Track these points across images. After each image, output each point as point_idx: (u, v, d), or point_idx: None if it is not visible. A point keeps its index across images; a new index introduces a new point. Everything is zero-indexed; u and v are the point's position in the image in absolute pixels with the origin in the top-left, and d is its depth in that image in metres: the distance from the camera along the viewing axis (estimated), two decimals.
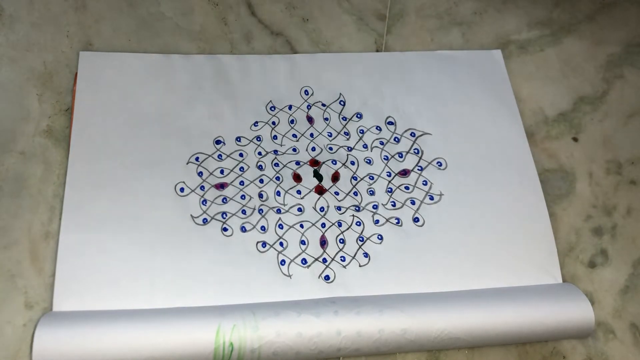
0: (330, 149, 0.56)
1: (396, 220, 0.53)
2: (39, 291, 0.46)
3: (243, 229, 0.51)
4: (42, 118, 0.53)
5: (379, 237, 0.52)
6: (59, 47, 0.57)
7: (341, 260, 0.50)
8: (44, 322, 0.43)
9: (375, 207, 0.53)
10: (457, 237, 0.52)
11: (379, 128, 0.57)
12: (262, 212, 0.51)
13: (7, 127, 0.52)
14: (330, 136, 0.56)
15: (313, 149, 0.55)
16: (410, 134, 0.57)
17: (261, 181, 0.53)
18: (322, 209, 0.52)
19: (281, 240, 0.50)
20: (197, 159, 0.53)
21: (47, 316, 0.44)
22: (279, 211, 0.52)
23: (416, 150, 0.56)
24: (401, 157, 0.56)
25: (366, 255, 0.51)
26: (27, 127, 0.53)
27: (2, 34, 0.57)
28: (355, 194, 0.54)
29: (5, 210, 0.49)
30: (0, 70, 0.55)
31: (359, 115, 0.58)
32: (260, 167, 0.54)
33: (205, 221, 0.50)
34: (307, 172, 0.54)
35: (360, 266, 0.50)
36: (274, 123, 0.56)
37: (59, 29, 0.58)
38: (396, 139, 0.57)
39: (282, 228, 0.51)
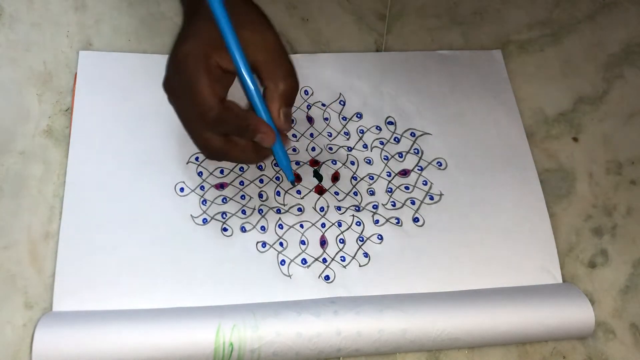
0: (330, 149, 0.56)
1: (396, 220, 0.53)
2: (39, 291, 0.46)
3: (243, 229, 0.50)
4: (42, 118, 0.53)
5: (379, 237, 0.52)
6: (59, 47, 0.57)
7: (341, 260, 0.50)
8: (43, 322, 0.43)
9: (375, 207, 0.53)
10: (457, 237, 0.52)
11: (379, 128, 0.57)
12: (262, 212, 0.51)
13: (7, 127, 0.52)
14: (330, 136, 0.56)
15: (313, 149, 0.55)
16: (410, 134, 0.57)
17: (261, 181, 0.53)
18: (322, 209, 0.52)
19: (281, 240, 0.50)
20: (197, 158, 0.53)
21: (47, 316, 0.44)
22: (278, 211, 0.52)
23: (416, 150, 0.56)
24: (401, 157, 0.56)
25: (366, 255, 0.51)
26: (27, 127, 0.53)
27: (2, 34, 0.57)
28: (355, 194, 0.54)
29: (5, 210, 0.49)
30: (0, 70, 0.55)
31: (359, 115, 0.58)
32: (260, 167, 0.54)
33: (205, 221, 0.50)
34: (307, 172, 0.54)
35: (360, 266, 0.50)
36: None
37: (59, 29, 0.58)
38: (396, 139, 0.57)
39: (282, 228, 0.51)
